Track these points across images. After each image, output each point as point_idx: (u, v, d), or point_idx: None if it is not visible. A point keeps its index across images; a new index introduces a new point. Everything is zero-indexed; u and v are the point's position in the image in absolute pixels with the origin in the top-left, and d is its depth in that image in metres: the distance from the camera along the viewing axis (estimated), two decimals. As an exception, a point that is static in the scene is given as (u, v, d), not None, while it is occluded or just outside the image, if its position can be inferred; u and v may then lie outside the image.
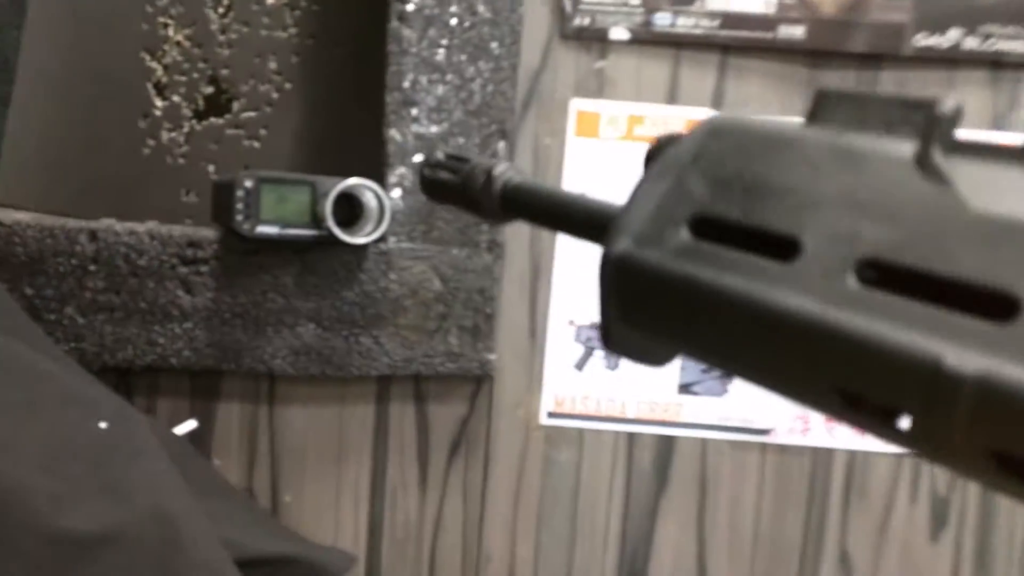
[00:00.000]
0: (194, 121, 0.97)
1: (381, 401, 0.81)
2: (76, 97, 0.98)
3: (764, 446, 0.82)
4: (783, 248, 0.24)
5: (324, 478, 0.82)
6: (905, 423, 0.21)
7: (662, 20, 0.79)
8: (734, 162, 0.27)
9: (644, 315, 0.29)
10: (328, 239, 0.73)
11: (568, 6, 0.78)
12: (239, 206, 0.71)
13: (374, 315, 0.78)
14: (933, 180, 0.22)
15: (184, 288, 0.77)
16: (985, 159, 0.22)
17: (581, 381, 0.82)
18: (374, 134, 0.79)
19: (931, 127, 0.23)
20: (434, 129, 0.77)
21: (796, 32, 0.79)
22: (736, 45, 0.79)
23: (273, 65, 0.96)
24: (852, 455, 0.82)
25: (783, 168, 0.26)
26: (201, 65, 0.97)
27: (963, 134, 0.23)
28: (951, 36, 0.79)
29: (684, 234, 0.27)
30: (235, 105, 0.97)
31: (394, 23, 0.76)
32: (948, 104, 0.23)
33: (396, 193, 0.77)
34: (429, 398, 0.82)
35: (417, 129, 0.77)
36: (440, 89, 0.77)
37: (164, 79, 0.97)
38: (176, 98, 0.97)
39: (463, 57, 0.77)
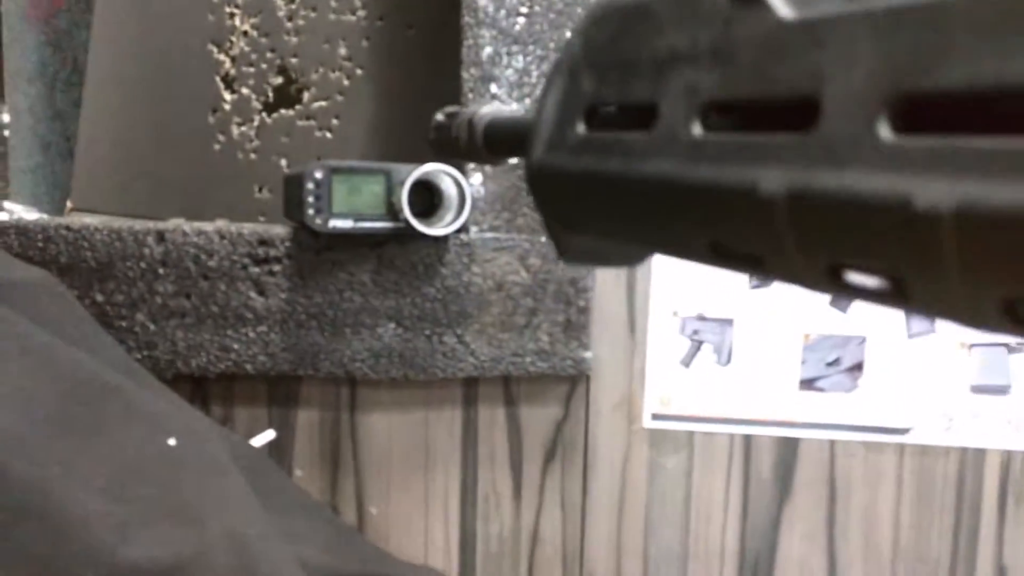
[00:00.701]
0: (264, 114, 0.93)
1: (468, 405, 0.75)
2: (145, 95, 0.95)
3: (902, 447, 0.72)
4: (650, 116, 0.25)
5: (411, 488, 0.76)
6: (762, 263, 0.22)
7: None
8: (610, 44, 0.28)
9: (569, 216, 0.31)
10: (406, 231, 0.67)
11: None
12: (310, 199, 0.66)
13: (458, 312, 0.71)
14: (746, 3, 0.22)
15: (257, 289, 0.72)
16: None
17: (689, 378, 0.74)
18: (451, 115, 0.73)
19: None
20: (516, 106, 0.70)
21: None
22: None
23: (343, 51, 0.91)
24: (1007, 455, 0.71)
25: (643, 38, 0.26)
26: (269, 55, 0.93)
27: None
28: None
29: (581, 128, 0.28)
30: (305, 95, 0.92)
31: (468, -8, 0.69)
32: None
33: (477, 179, 0.71)
34: (520, 400, 0.75)
35: (498, 107, 0.70)
36: (521, 61, 0.70)
37: (232, 71, 0.93)
38: (245, 91, 0.93)
39: (545, 25, 0.70)
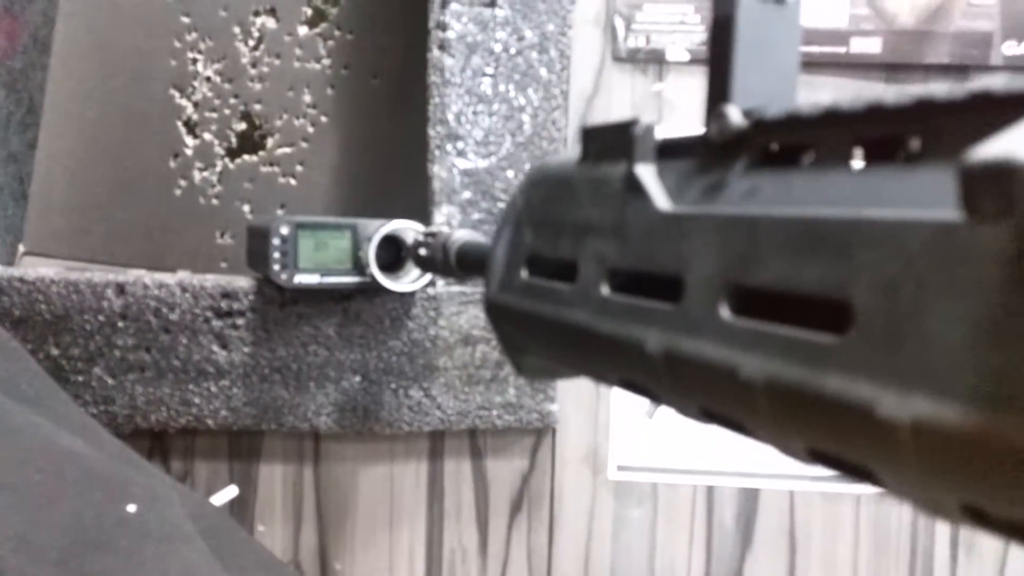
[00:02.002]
0: (227, 159, 0.92)
1: (434, 458, 0.75)
2: (104, 138, 0.94)
3: (858, 497, 0.74)
4: (573, 272, 0.29)
5: (376, 544, 0.75)
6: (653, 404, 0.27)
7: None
8: (544, 206, 0.32)
9: (519, 343, 0.35)
10: (372, 286, 0.67)
11: (620, 26, 0.72)
12: (275, 255, 0.66)
13: (424, 365, 0.71)
14: (636, 192, 0.26)
15: (219, 343, 0.71)
16: (682, 158, 0.26)
17: (652, 430, 0.75)
18: (417, 170, 0.74)
19: (629, 146, 0.27)
20: (482, 163, 0.71)
21: (871, 45, 0.72)
22: (806, 60, 0.72)
23: (308, 98, 0.91)
24: (959, 505, 0.73)
25: (565, 206, 0.30)
26: (232, 101, 0.92)
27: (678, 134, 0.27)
28: (1046, 39, 0.71)
29: (524, 273, 0.32)
30: (269, 141, 0.92)
31: (435, 52, 0.70)
32: (640, 125, 0.27)
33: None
34: (486, 454, 0.75)
35: (464, 164, 0.70)
36: (487, 121, 0.71)
37: (195, 116, 0.93)
38: (208, 136, 0.92)
39: (510, 85, 0.71)
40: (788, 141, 0.23)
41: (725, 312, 0.21)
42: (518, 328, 0.34)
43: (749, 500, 0.75)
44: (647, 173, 0.26)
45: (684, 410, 0.25)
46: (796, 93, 0.26)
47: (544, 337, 0.31)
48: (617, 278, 0.27)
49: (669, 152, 0.27)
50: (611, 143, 0.28)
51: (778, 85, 0.25)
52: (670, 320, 0.23)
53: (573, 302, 0.28)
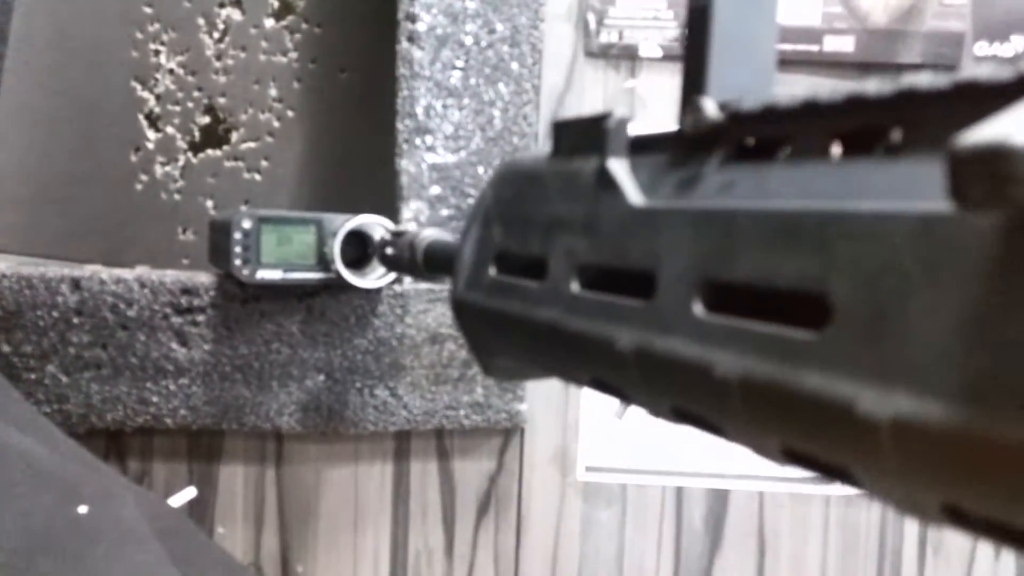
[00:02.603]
0: (190, 154, 0.90)
1: (400, 459, 0.74)
2: (62, 131, 0.91)
3: (827, 498, 0.74)
4: (542, 269, 0.28)
5: (339, 546, 0.74)
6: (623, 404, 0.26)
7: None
8: (513, 202, 0.31)
9: (487, 343, 0.34)
10: (337, 282, 0.65)
11: (593, 21, 0.71)
12: (237, 249, 0.64)
13: (390, 364, 0.70)
14: (608, 187, 0.25)
15: (179, 340, 0.69)
16: (655, 152, 0.25)
17: (621, 431, 0.74)
18: (385, 165, 0.72)
19: (601, 140, 0.26)
20: (451, 158, 0.69)
21: (844, 44, 0.71)
22: (779, 58, 0.72)
23: (273, 92, 0.89)
24: (926, 506, 0.73)
25: (536, 201, 0.29)
26: (196, 94, 0.90)
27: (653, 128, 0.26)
28: (1015, 43, 0.72)
29: (492, 271, 0.32)
30: (233, 136, 0.90)
31: (404, 44, 0.69)
32: (612, 119, 0.26)
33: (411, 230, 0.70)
34: (453, 454, 0.74)
35: (433, 159, 0.69)
36: (456, 115, 0.69)
37: (157, 109, 0.90)
38: (170, 129, 0.90)
39: (481, 79, 0.70)
40: (765, 134, 0.22)
41: (699, 309, 0.21)
42: (486, 327, 0.33)
43: (718, 501, 0.74)
44: (619, 167, 0.26)
45: (656, 410, 0.24)
46: (773, 87, 0.25)
47: (512, 336, 0.31)
48: (588, 275, 0.26)
49: (642, 147, 0.26)
50: (583, 137, 0.27)
51: (755, 78, 0.25)
52: (642, 317, 0.23)
53: (542, 300, 0.28)
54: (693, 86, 0.25)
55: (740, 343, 0.19)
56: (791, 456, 0.20)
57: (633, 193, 0.25)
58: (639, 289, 0.23)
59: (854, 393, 0.16)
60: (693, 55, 0.25)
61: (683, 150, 0.24)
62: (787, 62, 0.72)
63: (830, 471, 0.19)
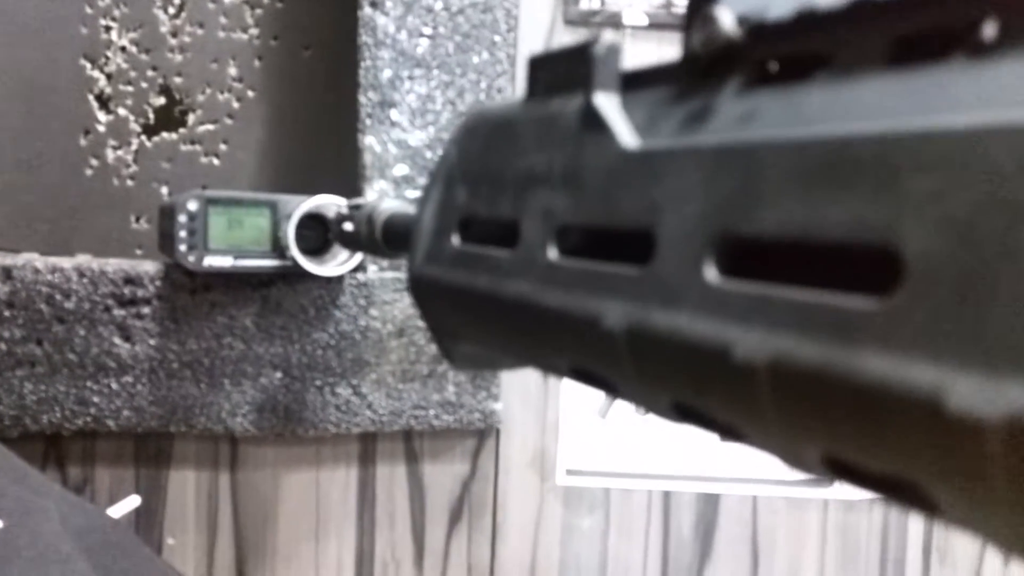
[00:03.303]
0: (144, 137, 0.84)
1: (365, 462, 0.68)
2: (7, 113, 0.85)
3: (825, 502, 0.69)
4: (514, 235, 0.24)
5: (300, 556, 0.68)
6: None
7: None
8: (481, 157, 0.27)
9: (449, 325, 0.29)
10: (294, 270, 0.60)
11: (573, -13, 0.66)
12: (182, 234, 0.58)
13: (353, 360, 0.64)
14: (595, 127, 0.21)
15: (121, 334, 0.63)
16: (653, 87, 0.21)
17: (605, 431, 0.69)
18: (349, 144, 0.67)
19: (587, 72, 0.22)
20: (419, 134, 0.64)
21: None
22: None
23: (233, 71, 0.84)
24: (931, 509, 0.69)
25: (507, 154, 0.25)
26: (150, 73, 0.84)
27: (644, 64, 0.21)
28: None
29: (455, 240, 0.27)
30: (190, 118, 0.84)
31: (366, 10, 0.63)
32: (600, 45, 0.22)
33: (376, 212, 0.64)
34: (423, 457, 0.68)
35: (398, 135, 0.64)
36: (424, 87, 0.64)
37: (108, 90, 0.84)
38: (122, 111, 0.84)
39: (450, 48, 0.64)
40: (799, 49, 0.17)
41: (711, 273, 0.16)
42: (448, 307, 0.28)
43: (708, 506, 0.69)
44: (609, 103, 0.21)
45: (652, 405, 0.20)
46: None
47: (479, 316, 0.26)
48: (569, 239, 0.22)
49: (637, 81, 0.21)
50: (564, 71, 0.23)
51: None
52: (636, 287, 0.18)
53: (513, 271, 0.23)
54: None
55: (769, 317, 0.15)
56: (838, 468, 0.15)
57: (625, 134, 0.20)
58: (633, 252, 0.19)
59: (941, 382, 0.12)
60: None
61: (690, 77, 0.20)
62: None
63: (890, 487, 0.14)
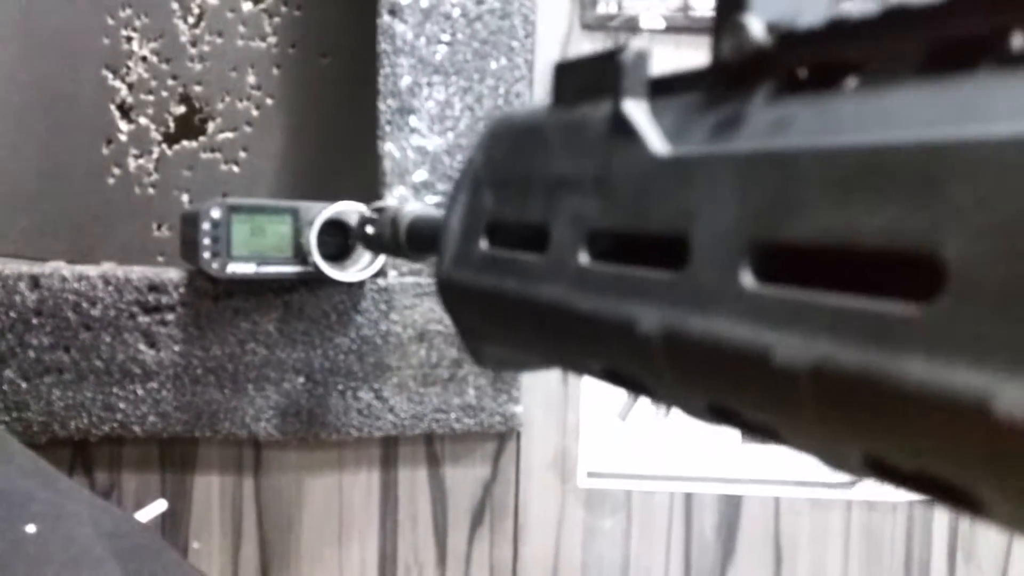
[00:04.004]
0: (164, 145, 0.85)
1: (387, 466, 0.68)
2: (30, 123, 0.86)
3: (849, 503, 0.69)
4: (543, 239, 0.24)
5: (323, 560, 0.69)
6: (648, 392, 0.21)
7: (705, 3, 0.66)
8: (508, 162, 0.27)
9: (478, 328, 0.30)
10: (315, 276, 0.60)
11: (589, -9, 0.66)
12: (206, 241, 0.59)
13: (374, 364, 0.65)
14: (624, 134, 0.21)
15: (146, 341, 0.64)
16: (681, 93, 0.21)
17: (626, 433, 0.69)
18: (368, 152, 0.67)
19: (616, 79, 0.22)
20: (437, 141, 0.64)
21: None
22: None
23: (252, 79, 0.85)
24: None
25: (535, 159, 0.25)
26: (171, 82, 0.85)
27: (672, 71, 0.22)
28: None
29: (483, 244, 0.28)
30: (210, 126, 0.85)
31: (385, 18, 0.64)
32: (628, 51, 0.22)
33: (396, 218, 0.65)
34: (444, 460, 0.69)
35: (418, 141, 0.64)
36: (443, 93, 0.64)
37: (129, 99, 0.85)
38: (143, 120, 0.85)
39: (469, 54, 0.65)
40: (831, 58, 0.18)
41: (748, 279, 0.17)
42: (477, 310, 0.29)
43: (731, 508, 0.69)
44: (638, 110, 0.21)
45: (688, 407, 0.20)
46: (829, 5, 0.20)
47: (508, 319, 0.26)
48: (600, 243, 0.22)
49: (665, 88, 0.22)
50: (593, 78, 0.23)
51: None
52: (671, 292, 0.19)
53: (544, 275, 0.24)
54: (731, 3, 0.19)
55: (809, 322, 0.15)
56: (879, 469, 0.15)
57: (656, 141, 0.20)
58: (666, 257, 0.19)
59: (987, 387, 0.12)
60: None
61: (720, 84, 0.20)
62: None
63: (932, 487, 0.14)
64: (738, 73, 0.19)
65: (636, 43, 0.21)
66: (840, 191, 0.15)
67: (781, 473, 0.68)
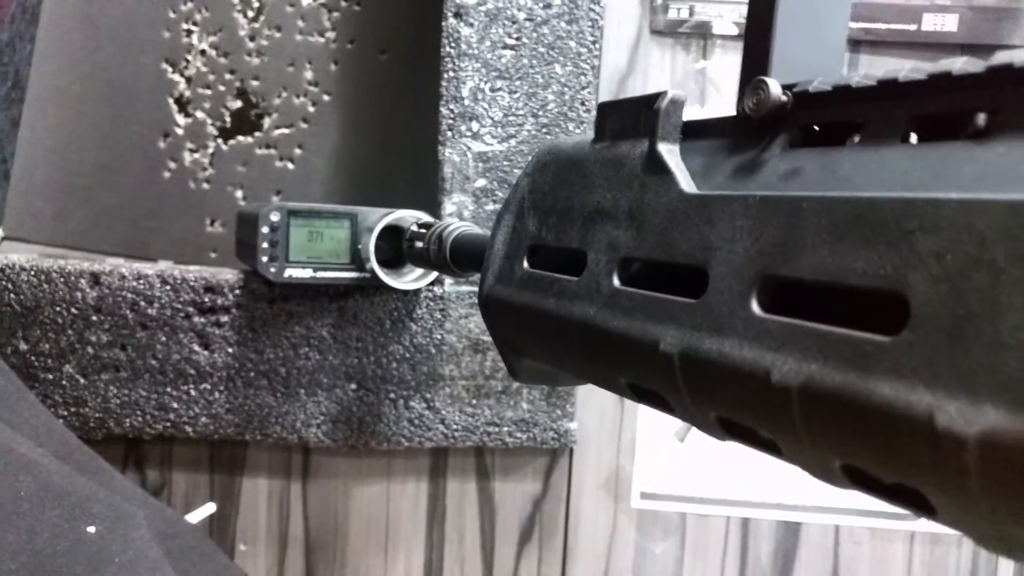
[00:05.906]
0: (220, 140, 0.85)
1: (436, 477, 0.67)
2: (89, 115, 0.86)
3: (912, 534, 0.66)
4: (580, 263, 0.26)
5: (368, 570, 0.68)
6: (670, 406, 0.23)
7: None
8: (551, 191, 0.29)
9: (516, 343, 0.32)
10: (371, 283, 0.59)
11: (658, -5, 0.64)
12: (264, 245, 0.58)
13: (427, 374, 0.64)
14: (658, 173, 0.24)
15: (201, 342, 0.64)
16: (710, 138, 0.24)
17: (682, 454, 0.67)
18: (427, 155, 0.66)
19: (652, 123, 0.24)
20: (499, 147, 0.63)
21: (946, 23, 0.63)
22: (870, 39, 0.64)
23: (309, 75, 0.84)
24: None
25: (575, 189, 0.27)
26: (228, 76, 0.85)
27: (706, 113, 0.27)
28: None
29: (525, 265, 0.30)
30: (266, 121, 0.84)
31: (450, 20, 0.62)
32: (664, 99, 0.24)
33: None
34: (494, 474, 0.67)
35: (479, 147, 0.63)
36: (507, 98, 0.63)
37: (187, 93, 0.85)
38: (200, 114, 0.85)
39: (534, 59, 0.63)
40: (835, 117, 0.21)
41: (756, 307, 0.19)
42: (515, 325, 0.31)
43: (788, 535, 0.67)
44: (670, 152, 0.24)
45: (699, 421, 0.22)
46: (843, 69, 0.23)
47: (544, 335, 0.29)
48: (630, 270, 0.25)
49: (696, 132, 0.25)
50: (631, 119, 0.25)
51: (822, 59, 0.23)
52: (690, 316, 0.21)
53: (578, 296, 0.26)
54: (755, 65, 0.23)
55: (802, 346, 0.18)
56: (854, 476, 0.18)
57: (684, 180, 0.23)
58: (688, 285, 0.22)
59: (934, 405, 0.15)
60: (755, 32, 0.23)
61: (742, 134, 0.23)
62: (880, 43, 0.64)
63: (899, 496, 0.17)
64: (758, 125, 0.22)
65: (673, 92, 0.24)
66: (833, 236, 0.18)
67: (841, 501, 0.66)
